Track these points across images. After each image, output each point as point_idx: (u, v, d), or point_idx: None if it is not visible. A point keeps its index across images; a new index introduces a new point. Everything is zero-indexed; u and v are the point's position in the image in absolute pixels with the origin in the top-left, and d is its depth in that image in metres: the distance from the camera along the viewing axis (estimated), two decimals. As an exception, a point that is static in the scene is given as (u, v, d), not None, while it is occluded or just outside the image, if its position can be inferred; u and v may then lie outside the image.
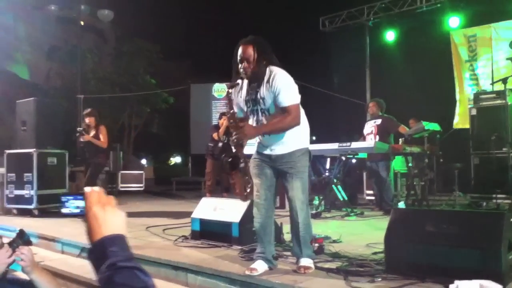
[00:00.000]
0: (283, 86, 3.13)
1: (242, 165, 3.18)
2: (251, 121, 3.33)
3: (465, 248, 2.67)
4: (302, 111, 3.32)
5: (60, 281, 3.79)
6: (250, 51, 3.15)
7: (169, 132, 23.81)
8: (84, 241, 4.70)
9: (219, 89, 14.06)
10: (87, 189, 1.09)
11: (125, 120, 19.95)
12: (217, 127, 8.31)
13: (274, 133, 3.21)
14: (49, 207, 7.23)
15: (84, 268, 4.25)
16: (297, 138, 3.28)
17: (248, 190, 3.23)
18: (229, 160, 3.18)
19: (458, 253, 2.67)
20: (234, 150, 3.20)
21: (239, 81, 3.31)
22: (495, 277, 2.52)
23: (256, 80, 3.22)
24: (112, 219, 1.03)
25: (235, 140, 3.10)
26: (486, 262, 2.60)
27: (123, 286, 0.91)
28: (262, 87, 3.19)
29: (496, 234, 2.63)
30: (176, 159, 34.53)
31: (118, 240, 0.99)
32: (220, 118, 8.37)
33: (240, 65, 3.20)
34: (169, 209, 7.87)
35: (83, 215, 1.06)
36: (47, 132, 7.55)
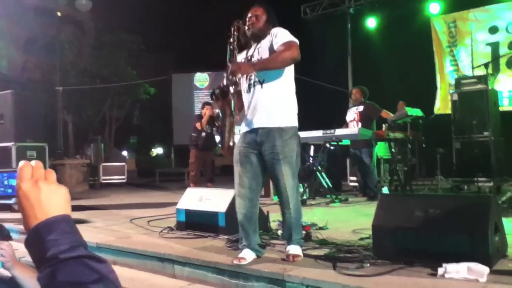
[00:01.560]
0: (279, 31, 3.20)
1: (231, 90, 3.09)
2: (242, 84, 3.30)
3: (453, 232, 2.68)
4: (291, 87, 3.29)
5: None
6: (260, 11, 3.31)
7: (151, 124, 23.62)
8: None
9: (201, 78, 13.97)
10: (20, 162, 0.84)
11: (106, 112, 19.71)
12: (200, 117, 8.23)
13: (271, 67, 3.11)
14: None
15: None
16: (283, 112, 3.19)
17: (231, 143, 3.14)
18: (219, 88, 3.12)
19: (446, 237, 2.68)
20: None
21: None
22: (483, 259, 2.54)
23: (257, 38, 3.30)
24: (49, 196, 0.79)
25: (229, 76, 3.05)
26: (474, 245, 2.61)
27: (70, 285, 0.71)
28: (262, 42, 3.27)
29: (483, 217, 2.64)
30: (157, 150, 34.29)
31: (58, 224, 0.77)
32: (203, 108, 8.29)
33: (248, 22, 3.27)
34: (153, 201, 7.79)
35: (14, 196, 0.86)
36: (26, 125, 7.40)
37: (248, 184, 3.20)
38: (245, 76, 3.22)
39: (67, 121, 17.05)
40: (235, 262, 3.06)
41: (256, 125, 3.18)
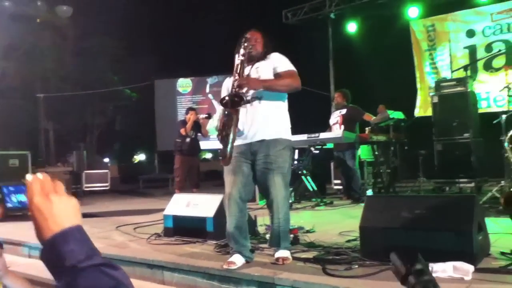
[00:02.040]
0: (281, 57, 3.39)
1: (242, 103, 3.14)
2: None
3: (439, 231, 2.75)
4: (285, 105, 3.43)
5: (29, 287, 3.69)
6: (258, 35, 3.46)
7: (133, 130, 23.43)
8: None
9: (184, 84, 13.93)
10: (28, 176, 0.88)
11: (88, 119, 19.51)
12: (184, 123, 8.21)
13: (276, 89, 3.26)
14: (12, 211, 7.00)
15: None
16: (278, 126, 3.29)
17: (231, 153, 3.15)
18: (231, 97, 3.14)
19: (432, 236, 2.74)
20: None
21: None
22: (468, 257, 2.61)
23: (253, 60, 3.38)
24: (61, 208, 0.83)
25: (236, 88, 3.15)
26: (459, 244, 2.67)
27: None
28: (258, 62, 3.37)
29: (467, 217, 2.71)
30: (140, 157, 34.00)
31: (72, 235, 0.81)
32: (187, 113, 8.28)
33: (246, 44, 3.33)
34: (137, 207, 7.76)
35: (27, 208, 0.90)
36: (7, 133, 7.30)
37: (239, 193, 3.23)
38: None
39: (48, 128, 16.82)
40: (225, 266, 3.08)
41: (251, 138, 3.26)
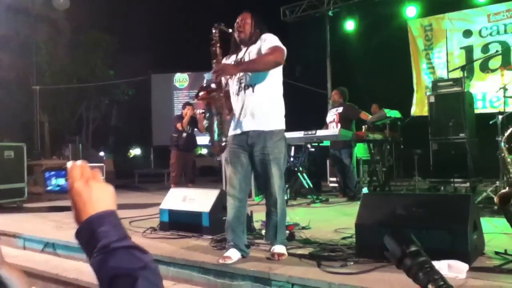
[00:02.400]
0: (269, 37, 3.28)
1: (214, 93, 3.11)
2: (232, 86, 3.36)
3: (434, 229, 2.77)
4: (280, 92, 3.37)
5: (32, 280, 3.68)
6: (248, 17, 3.40)
7: (129, 124, 23.38)
8: (47, 236, 4.58)
9: (181, 79, 13.90)
10: (68, 163, 0.96)
11: (83, 113, 19.44)
12: (180, 118, 8.21)
13: (254, 69, 3.18)
14: (6, 203, 6.98)
15: (48, 264, 4.14)
16: (272, 115, 3.26)
17: (223, 144, 3.15)
18: (202, 89, 3.15)
19: (427, 234, 2.76)
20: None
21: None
22: (463, 256, 2.63)
23: (246, 43, 3.36)
24: (98, 194, 0.91)
25: (214, 77, 3.10)
26: (454, 243, 2.69)
27: (120, 270, 0.81)
28: (251, 47, 3.33)
29: (463, 216, 2.73)
30: (135, 151, 33.94)
31: (107, 218, 0.88)
32: (184, 108, 8.27)
33: (236, 28, 3.35)
34: (133, 201, 7.74)
35: (65, 192, 0.98)
36: (3, 125, 7.27)
37: (239, 185, 3.25)
38: (235, 78, 3.27)
39: (43, 121, 16.75)
40: (221, 261, 3.09)
41: (247, 128, 3.24)
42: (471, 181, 6.39)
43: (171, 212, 4.43)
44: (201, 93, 3.12)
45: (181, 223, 4.32)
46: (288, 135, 6.85)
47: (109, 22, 18.54)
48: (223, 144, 3.12)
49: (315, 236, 3.83)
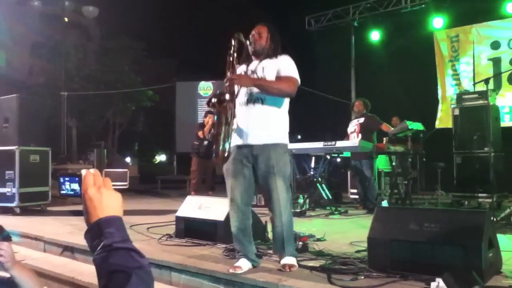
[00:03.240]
0: (289, 62, 3.30)
1: (226, 102, 3.08)
2: (240, 96, 3.30)
3: (448, 245, 2.71)
4: (287, 110, 3.37)
5: (42, 280, 3.75)
6: (264, 30, 3.38)
7: (154, 130, 23.68)
8: (66, 239, 4.67)
9: (205, 87, 14.03)
10: (83, 171, 1.09)
11: (110, 118, 19.79)
12: (202, 126, 8.28)
13: (266, 90, 3.19)
14: (31, 205, 7.15)
15: (66, 267, 4.22)
16: (279, 130, 3.26)
17: (226, 154, 3.10)
18: (215, 96, 3.14)
19: (440, 250, 2.71)
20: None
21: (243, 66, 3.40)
22: (477, 274, 2.56)
23: (259, 55, 3.35)
24: (108, 201, 1.04)
25: (227, 86, 3.10)
26: (468, 259, 2.63)
27: (118, 266, 0.93)
28: (265, 60, 3.32)
29: (477, 232, 2.67)
30: (161, 157, 34.33)
31: (114, 222, 1.01)
32: (205, 116, 8.34)
33: (251, 39, 3.34)
34: (153, 207, 7.83)
35: (78, 196, 1.07)
36: (30, 129, 7.45)
37: (240, 197, 3.23)
38: (245, 89, 3.26)
39: (71, 126, 17.15)
40: (231, 270, 3.09)
41: (252, 141, 3.22)
42: (495, 196, 6.22)
43: (187, 220, 4.46)
44: (213, 100, 3.13)
45: (196, 231, 4.34)
46: (308, 145, 6.88)
47: (136, 29, 18.92)
48: (226, 154, 3.11)
49: (329, 248, 3.79)
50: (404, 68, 10.54)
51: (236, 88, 3.16)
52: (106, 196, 1.04)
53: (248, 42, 3.33)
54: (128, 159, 26.64)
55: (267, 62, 3.31)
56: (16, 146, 7.02)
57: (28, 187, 7.08)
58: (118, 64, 17.88)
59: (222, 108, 3.09)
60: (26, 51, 17.63)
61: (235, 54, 3.28)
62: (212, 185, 8.44)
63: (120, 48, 18.13)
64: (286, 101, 3.36)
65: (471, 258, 2.63)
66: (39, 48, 16.98)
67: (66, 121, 12.08)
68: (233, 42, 3.26)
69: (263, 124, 3.21)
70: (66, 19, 12.63)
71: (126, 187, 12.78)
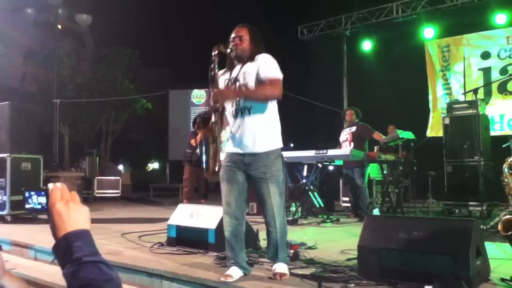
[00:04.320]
0: (267, 59, 3.23)
1: (213, 119, 3.07)
2: (228, 107, 3.31)
3: (436, 254, 2.74)
4: (276, 111, 3.35)
5: (33, 289, 3.74)
6: (244, 32, 3.30)
7: (147, 138, 23.65)
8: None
9: (198, 95, 14.07)
10: (50, 185, 1.11)
11: (103, 126, 19.73)
12: (195, 134, 8.27)
13: (253, 99, 3.18)
14: (22, 213, 7.12)
15: (57, 275, 4.20)
16: (269, 137, 3.25)
17: (216, 169, 3.12)
18: (200, 117, 3.15)
19: (429, 258, 2.74)
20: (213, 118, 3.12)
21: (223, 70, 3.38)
22: (464, 282, 2.59)
23: (242, 60, 3.28)
24: (76, 214, 1.05)
25: (212, 104, 3.08)
26: (456, 268, 2.66)
27: (88, 280, 0.94)
28: (246, 65, 3.26)
29: (465, 240, 2.70)
30: (154, 165, 34.23)
31: (82, 235, 1.02)
32: (194, 123, 8.37)
33: (231, 43, 3.27)
34: (145, 216, 7.82)
35: (45, 210, 1.09)
36: (22, 136, 7.43)
37: (234, 202, 3.25)
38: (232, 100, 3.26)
39: (63, 133, 17.07)
40: (222, 279, 3.11)
41: (244, 150, 3.24)
42: (485, 205, 6.28)
43: (178, 228, 4.47)
44: (198, 122, 3.14)
45: (187, 239, 4.35)
46: (300, 154, 6.92)
47: (131, 38, 18.96)
48: (217, 169, 3.11)
49: (320, 256, 3.81)
50: (396, 77, 10.65)
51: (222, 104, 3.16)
52: (74, 210, 1.05)
53: (229, 50, 3.27)
54: (120, 167, 26.56)
55: (247, 67, 3.25)
56: (8, 154, 6.99)
57: (20, 195, 7.04)
58: (111, 72, 17.87)
59: (209, 130, 3.10)
60: (19, 58, 17.60)
61: (216, 69, 3.27)
62: (205, 193, 8.46)
63: (114, 56, 18.10)
64: (274, 106, 3.33)
65: (459, 266, 2.67)
66: (32, 55, 16.95)
67: (58, 129, 12.02)
68: (213, 56, 3.23)
69: (252, 135, 3.21)
70: (59, 27, 12.61)
71: (118, 195, 12.73)
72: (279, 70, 3.23)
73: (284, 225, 3.28)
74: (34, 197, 1.16)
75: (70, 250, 0.98)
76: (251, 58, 3.25)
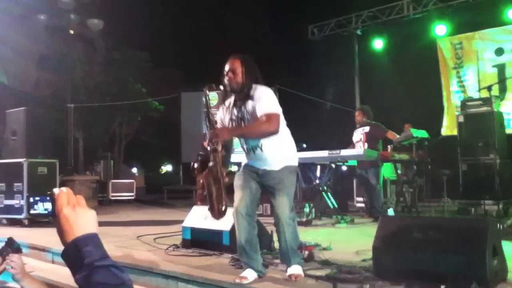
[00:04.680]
0: (263, 95, 3.20)
1: (211, 164, 3.07)
2: (242, 143, 3.36)
3: (452, 253, 2.72)
4: (287, 130, 3.38)
5: (51, 292, 3.79)
6: (237, 64, 3.25)
7: (160, 141, 23.78)
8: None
9: (210, 97, 14.08)
10: (55, 190, 1.11)
11: (116, 129, 19.91)
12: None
13: (250, 137, 3.22)
14: (39, 217, 7.21)
15: (72, 278, 4.25)
16: (286, 157, 3.29)
17: (223, 208, 3.10)
18: (196, 162, 3.16)
19: (444, 258, 2.72)
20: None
21: (226, 99, 3.40)
22: (480, 281, 2.57)
23: (240, 93, 3.26)
24: (83, 218, 1.04)
25: (210, 148, 3.10)
26: (472, 268, 2.65)
27: (102, 285, 0.95)
28: (247, 103, 3.24)
29: (481, 240, 2.68)
30: (167, 168, 34.43)
31: (91, 240, 1.01)
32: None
33: (226, 78, 3.25)
34: (160, 218, 7.87)
35: (51, 215, 1.08)
36: (38, 141, 7.54)
37: (245, 208, 3.26)
38: (240, 139, 3.32)
39: (77, 137, 17.26)
40: (237, 280, 3.12)
41: (259, 166, 3.30)
42: (501, 203, 6.20)
43: (193, 230, 4.49)
44: (196, 167, 3.14)
45: (202, 241, 4.37)
46: (313, 154, 6.90)
47: (142, 41, 19.10)
48: (223, 209, 3.10)
49: (335, 257, 3.81)
50: (408, 76, 10.58)
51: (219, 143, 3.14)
52: (81, 214, 1.05)
53: (222, 87, 3.27)
54: (134, 170, 26.76)
55: (250, 106, 3.24)
56: (24, 159, 7.10)
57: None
58: (123, 75, 18.02)
59: (207, 173, 3.10)
60: (32, 64, 17.80)
61: (210, 110, 3.31)
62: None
63: (126, 59, 18.27)
64: (284, 128, 3.33)
65: (475, 267, 2.65)
66: (45, 61, 17.14)
67: (72, 133, 12.15)
68: (204, 99, 3.28)
69: (268, 162, 3.27)
70: (71, 32, 12.74)
71: (132, 197, 12.84)
72: (276, 104, 3.22)
73: (294, 235, 3.27)
74: (40, 203, 1.15)
75: (81, 255, 0.98)
76: (248, 92, 3.23)
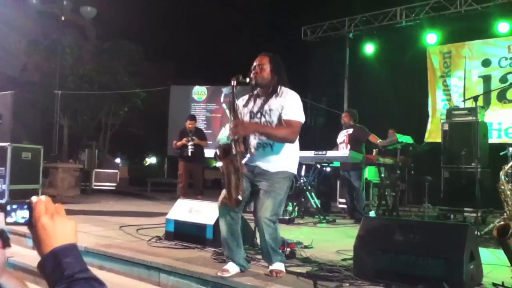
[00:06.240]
0: (293, 102, 3.30)
1: (233, 152, 3.11)
2: (251, 137, 3.39)
3: (430, 257, 2.79)
4: (296, 142, 3.41)
5: (30, 277, 3.78)
6: (266, 60, 3.35)
7: (146, 133, 23.65)
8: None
9: (199, 91, 14.06)
10: (33, 198, 1.05)
11: (102, 119, 19.75)
12: (183, 133, 8.36)
13: (269, 138, 3.27)
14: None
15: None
16: (286, 161, 3.32)
17: (240, 198, 3.11)
18: (220, 148, 3.18)
19: (423, 261, 2.79)
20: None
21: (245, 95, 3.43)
22: (458, 285, 2.65)
23: (263, 88, 3.34)
24: (62, 228, 1.00)
25: (232, 138, 3.13)
26: (449, 271, 2.72)
27: None
28: (271, 100, 3.31)
29: (459, 245, 2.76)
30: (151, 160, 34.23)
31: (70, 250, 0.97)
32: (187, 120, 8.46)
33: (252, 71, 3.33)
34: (143, 210, 7.86)
35: (28, 224, 1.02)
36: (23, 126, 7.47)
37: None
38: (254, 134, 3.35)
39: (63, 124, 17.09)
40: (219, 274, 3.16)
41: (258, 165, 3.33)
42: (480, 211, 6.33)
43: (177, 223, 4.51)
44: (218, 153, 3.17)
45: (185, 234, 4.40)
46: (299, 154, 6.95)
47: (134, 32, 18.97)
48: (240, 198, 3.11)
49: (316, 255, 3.87)
50: (397, 82, 10.70)
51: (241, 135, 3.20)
52: (59, 224, 1.00)
53: (248, 79, 3.31)
54: (118, 160, 26.58)
55: (272, 103, 3.31)
56: (9, 143, 7.02)
57: (19, 184, 7.09)
58: (113, 65, 17.88)
59: (229, 160, 3.14)
60: (21, 48, 17.58)
61: (235, 99, 3.34)
62: (201, 189, 8.46)
63: (116, 49, 18.12)
64: (300, 126, 3.36)
65: (452, 270, 2.72)
66: (35, 46, 16.95)
67: (58, 120, 12.03)
68: (232, 86, 3.26)
69: (271, 162, 3.30)
70: (63, 18, 12.61)
71: (114, 188, 12.76)
72: (302, 113, 3.32)
73: (275, 235, 3.26)
74: (18, 211, 1.07)
75: (60, 267, 0.93)
76: (274, 90, 3.32)
